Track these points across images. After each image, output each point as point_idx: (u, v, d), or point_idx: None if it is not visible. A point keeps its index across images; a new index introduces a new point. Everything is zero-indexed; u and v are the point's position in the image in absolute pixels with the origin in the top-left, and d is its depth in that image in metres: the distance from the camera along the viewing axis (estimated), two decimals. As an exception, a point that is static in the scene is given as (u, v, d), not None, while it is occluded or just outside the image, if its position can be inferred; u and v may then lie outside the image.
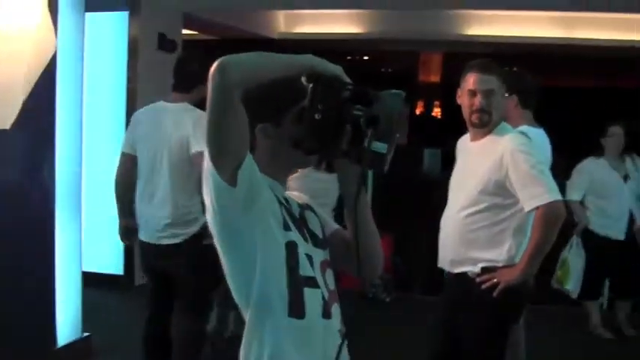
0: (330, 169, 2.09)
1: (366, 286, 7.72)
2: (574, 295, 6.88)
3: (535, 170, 3.72)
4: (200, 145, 4.21)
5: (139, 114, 4.92)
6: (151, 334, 4.85)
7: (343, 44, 9.89)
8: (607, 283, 7.34)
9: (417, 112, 12.50)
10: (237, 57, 1.79)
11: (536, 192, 3.69)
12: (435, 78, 13.19)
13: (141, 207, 4.78)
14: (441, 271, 4.12)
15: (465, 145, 4.11)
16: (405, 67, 12.30)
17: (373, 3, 8.79)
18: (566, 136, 7.02)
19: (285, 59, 1.89)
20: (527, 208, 3.72)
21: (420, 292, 8.18)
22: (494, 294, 3.78)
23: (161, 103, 4.79)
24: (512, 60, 11.24)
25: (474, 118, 3.92)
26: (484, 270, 3.85)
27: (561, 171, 7.13)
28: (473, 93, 3.91)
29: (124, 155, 4.86)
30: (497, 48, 9.03)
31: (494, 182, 3.80)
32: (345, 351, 2.05)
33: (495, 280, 3.80)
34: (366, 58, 12.33)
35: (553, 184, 3.74)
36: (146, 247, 4.82)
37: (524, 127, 4.65)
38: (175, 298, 4.73)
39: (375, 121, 1.90)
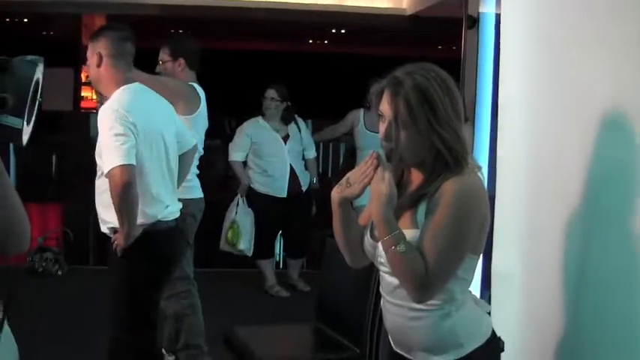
0: None
1: (34, 260, 7.38)
2: (249, 253, 6.99)
3: (107, 136, 3.84)
4: None
5: None
6: None
7: (2, 6, 9.27)
8: (280, 242, 7.52)
9: (83, 76, 12.06)
10: None
11: (108, 157, 3.83)
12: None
13: None
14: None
15: None
16: (67, 30, 11.82)
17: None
18: (231, 97, 7.10)
19: None
20: (104, 173, 3.87)
21: (95, 262, 7.98)
22: (119, 254, 3.94)
23: None
24: (175, 23, 11.16)
25: None
26: (112, 231, 3.99)
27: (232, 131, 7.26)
28: None
29: None
30: (163, 10, 8.85)
31: (100, 148, 3.96)
32: (5, 326, 2.00)
33: (116, 242, 3.96)
34: (25, 20, 11.76)
35: (123, 150, 3.82)
36: None
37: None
38: None
39: (2, 99, 1.80)
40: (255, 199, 7.05)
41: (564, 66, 3.02)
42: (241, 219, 6.96)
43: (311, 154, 7.36)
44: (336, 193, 2.53)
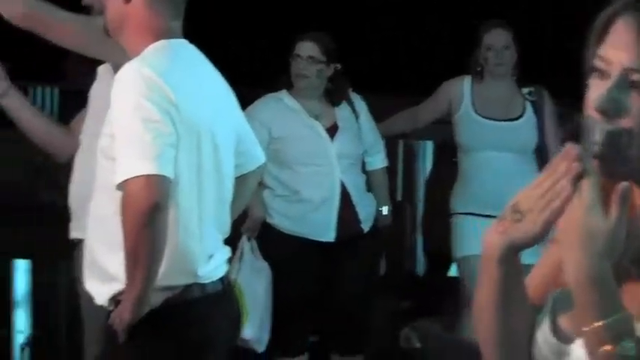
0: None
1: None
2: (259, 347, 4.77)
3: (128, 120, 2.86)
4: None
5: None
6: None
7: None
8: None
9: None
10: None
11: (125, 157, 2.86)
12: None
13: None
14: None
15: None
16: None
17: None
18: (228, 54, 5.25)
19: None
20: (115, 185, 3.02)
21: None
22: (120, 339, 3.03)
23: None
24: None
25: None
26: (112, 303, 3.09)
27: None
28: None
29: None
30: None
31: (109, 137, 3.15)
32: None
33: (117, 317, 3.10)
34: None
35: (156, 149, 2.84)
36: None
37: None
38: None
39: None
40: (276, 245, 4.88)
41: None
42: (247, 281, 4.76)
43: (378, 160, 5.15)
44: (496, 235, 1.43)
